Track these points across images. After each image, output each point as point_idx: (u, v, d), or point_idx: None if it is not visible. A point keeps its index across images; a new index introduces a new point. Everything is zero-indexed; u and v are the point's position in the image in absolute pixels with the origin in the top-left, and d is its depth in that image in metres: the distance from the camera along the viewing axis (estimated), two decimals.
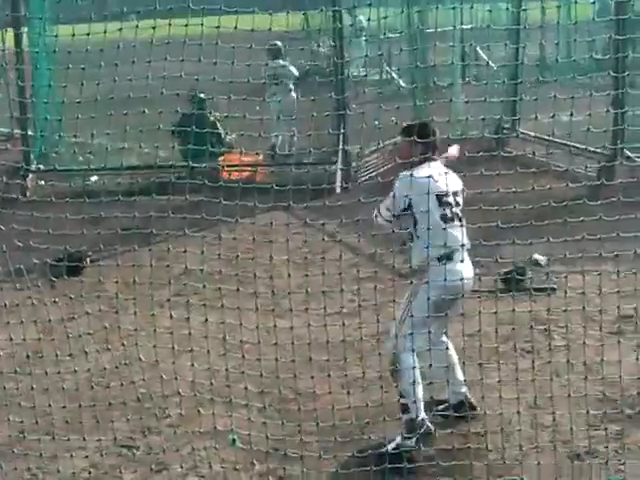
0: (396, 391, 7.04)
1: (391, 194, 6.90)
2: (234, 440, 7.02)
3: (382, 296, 7.10)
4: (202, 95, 14.77)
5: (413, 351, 6.82)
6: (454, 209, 7.02)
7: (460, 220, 7.04)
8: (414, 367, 6.84)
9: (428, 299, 6.79)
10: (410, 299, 7.00)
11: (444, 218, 6.95)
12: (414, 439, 6.94)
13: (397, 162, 7.25)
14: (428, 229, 6.78)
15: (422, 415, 7.00)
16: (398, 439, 6.96)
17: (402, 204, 6.88)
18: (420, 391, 6.97)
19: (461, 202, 7.13)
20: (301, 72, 17.90)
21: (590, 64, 14.69)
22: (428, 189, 6.75)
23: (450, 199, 7.01)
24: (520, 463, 6.62)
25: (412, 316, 6.82)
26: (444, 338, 7.29)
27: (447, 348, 7.22)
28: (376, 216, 7.11)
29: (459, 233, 6.95)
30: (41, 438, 7.02)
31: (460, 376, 7.32)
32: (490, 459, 6.73)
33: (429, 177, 6.84)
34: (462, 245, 6.94)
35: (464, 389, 7.37)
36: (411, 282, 7.05)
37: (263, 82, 16.47)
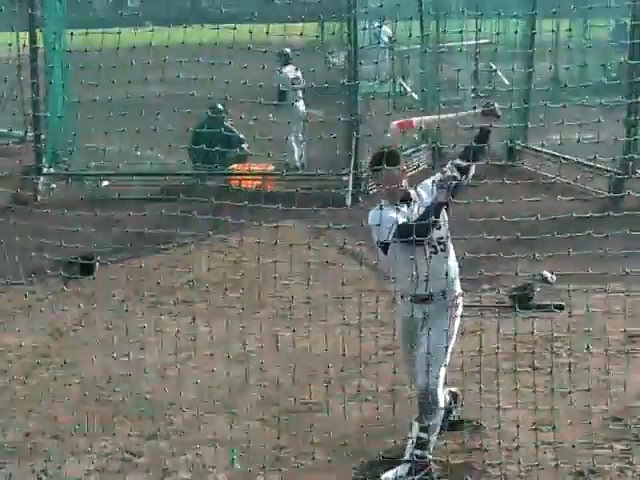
0: (416, 424, 6.69)
1: (375, 230, 6.56)
2: (233, 459, 7.01)
3: (388, 308, 7.11)
4: (219, 105, 14.86)
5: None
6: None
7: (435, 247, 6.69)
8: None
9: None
10: (445, 329, 6.65)
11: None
12: (418, 477, 6.67)
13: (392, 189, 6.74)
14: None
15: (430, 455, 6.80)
16: (403, 473, 6.69)
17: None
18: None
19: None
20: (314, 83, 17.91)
21: (603, 84, 14.69)
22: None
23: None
24: None
25: (444, 355, 6.63)
26: None
27: None
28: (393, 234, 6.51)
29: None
30: (48, 441, 7.05)
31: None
32: (492, 476, 6.73)
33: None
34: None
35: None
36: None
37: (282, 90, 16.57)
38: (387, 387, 6.93)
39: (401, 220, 6.45)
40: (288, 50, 17.31)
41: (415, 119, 6.96)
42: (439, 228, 6.64)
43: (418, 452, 6.68)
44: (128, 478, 6.86)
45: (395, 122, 6.89)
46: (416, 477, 6.65)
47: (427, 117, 7.18)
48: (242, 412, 7.14)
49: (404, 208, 6.59)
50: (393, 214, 6.46)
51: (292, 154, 16.63)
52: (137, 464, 7.07)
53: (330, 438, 6.83)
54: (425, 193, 6.73)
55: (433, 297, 6.67)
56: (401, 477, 6.67)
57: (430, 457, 6.73)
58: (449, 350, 6.69)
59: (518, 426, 6.71)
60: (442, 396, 6.77)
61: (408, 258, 6.47)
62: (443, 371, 6.69)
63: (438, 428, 6.76)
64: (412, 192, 6.72)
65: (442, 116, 7.13)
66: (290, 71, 17.25)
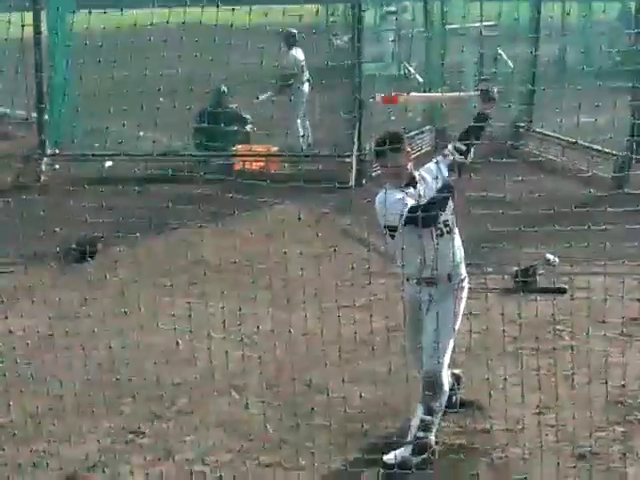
0: (436, 408, 6.73)
1: (382, 215, 6.55)
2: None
3: (393, 291, 7.11)
4: (224, 88, 14.83)
5: None
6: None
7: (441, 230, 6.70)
8: None
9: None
10: (453, 312, 6.68)
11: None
12: (420, 458, 6.69)
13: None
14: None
15: (433, 437, 6.83)
16: (404, 454, 6.71)
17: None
18: None
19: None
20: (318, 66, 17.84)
21: (609, 68, 14.67)
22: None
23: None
24: (522, 463, 6.64)
25: (449, 338, 6.68)
26: None
27: None
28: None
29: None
30: (52, 422, 7.08)
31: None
32: (495, 457, 6.76)
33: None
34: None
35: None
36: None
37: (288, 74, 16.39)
38: (389, 370, 6.94)
39: (410, 203, 6.44)
40: (295, 31, 17.05)
41: (401, 96, 6.95)
42: (444, 211, 6.64)
43: (421, 434, 6.70)
44: (132, 458, 6.89)
45: (380, 95, 6.90)
46: (418, 459, 6.68)
47: (417, 95, 7.15)
48: (246, 394, 7.15)
49: (411, 190, 6.59)
50: (400, 197, 6.47)
51: (297, 136, 16.57)
52: (141, 444, 7.11)
53: (332, 420, 6.85)
54: (429, 176, 6.72)
55: (439, 280, 6.69)
56: (403, 458, 6.69)
57: (433, 439, 6.76)
58: (454, 333, 6.71)
59: (520, 409, 6.73)
60: (447, 379, 6.79)
61: (415, 241, 6.48)
62: (448, 354, 6.71)
63: (442, 411, 6.79)
64: (416, 175, 6.72)
65: (437, 95, 7.11)
66: (297, 53, 16.85)
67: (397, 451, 6.72)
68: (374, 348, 6.96)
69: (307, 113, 16.63)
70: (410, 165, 6.67)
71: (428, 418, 6.71)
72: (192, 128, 13.74)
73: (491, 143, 7.01)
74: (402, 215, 6.42)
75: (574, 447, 6.78)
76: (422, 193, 6.62)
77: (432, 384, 6.68)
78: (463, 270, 6.90)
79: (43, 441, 6.98)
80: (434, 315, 6.62)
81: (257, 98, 15.37)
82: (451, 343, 6.72)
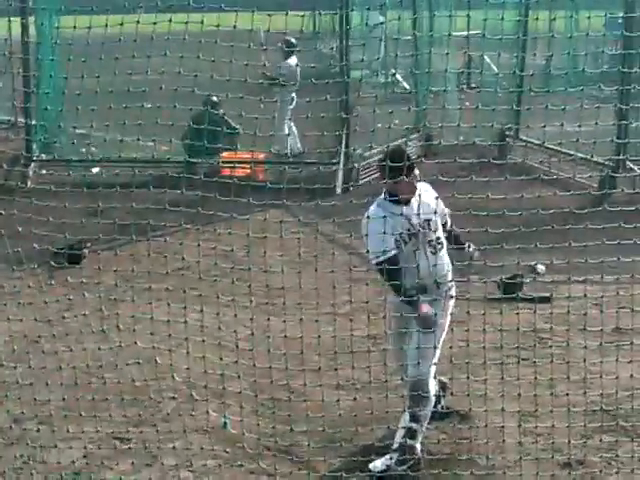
0: (420, 415, 6.80)
1: (369, 240, 6.71)
2: (225, 423, 7.07)
3: (376, 298, 7.11)
4: (214, 98, 14.74)
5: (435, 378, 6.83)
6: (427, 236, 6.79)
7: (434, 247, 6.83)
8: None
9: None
10: (440, 321, 6.74)
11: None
12: (406, 466, 6.70)
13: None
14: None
15: (419, 447, 6.85)
16: (389, 462, 6.75)
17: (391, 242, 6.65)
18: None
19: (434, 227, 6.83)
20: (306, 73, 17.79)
21: (595, 75, 14.71)
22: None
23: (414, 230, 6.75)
24: (506, 471, 6.65)
25: (435, 347, 6.74)
26: None
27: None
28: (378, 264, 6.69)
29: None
30: (37, 427, 7.05)
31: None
32: (480, 465, 6.76)
33: (383, 217, 6.60)
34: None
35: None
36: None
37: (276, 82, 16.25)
38: (376, 376, 6.94)
39: (391, 246, 6.60)
40: (293, 40, 16.91)
41: None
42: (435, 230, 6.76)
43: (408, 441, 6.71)
44: (116, 464, 6.87)
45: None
46: (405, 466, 6.68)
47: None
48: (232, 400, 7.14)
49: (404, 208, 6.69)
50: (381, 237, 6.57)
51: (284, 143, 16.55)
52: (126, 450, 7.09)
53: (320, 427, 6.85)
54: (427, 198, 6.78)
55: (427, 289, 6.70)
56: (389, 466, 6.69)
57: (419, 447, 6.76)
58: (441, 341, 6.72)
59: (504, 417, 6.74)
60: (433, 386, 6.80)
61: (409, 262, 6.61)
62: (434, 361, 6.72)
63: (427, 419, 6.79)
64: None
65: None
66: (294, 62, 16.53)
67: (383, 459, 6.73)
68: (359, 354, 6.96)
69: (294, 119, 16.57)
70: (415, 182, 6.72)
71: (414, 425, 6.71)
72: (182, 134, 13.65)
73: (479, 151, 7.02)
74: (378, 258, 6.61)
75: (558, 455, 6.79)
76: (416, 209, 6.70)
77: (418, 392, 6.68)
78: (449, 276, 6.93)
79: (28, 446, 6.95)
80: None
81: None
82: (437, 351, 6.73)
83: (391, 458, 6.73)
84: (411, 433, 6.73)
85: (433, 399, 6.82)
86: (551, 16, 12.85)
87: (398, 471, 6.68)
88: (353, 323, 7.05)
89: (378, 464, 6.73)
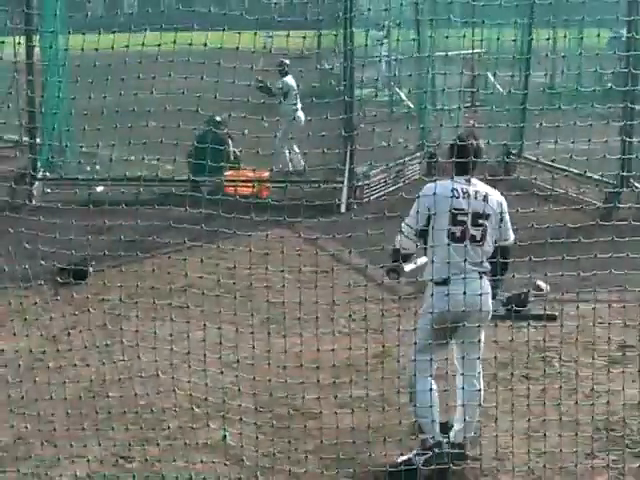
0: (411, 411, 6.95)
1: (413, 210, 6.85)
2: (225, 436, 7.06)
3: (380, 316, 7.10)
4: (217, 118, 14.81)
5: (431, 375, 6.81)
6: (470, 230, 6.77)
7: (476, 241, 6.79)
8: (431, 389, 6.76)
9: (426, 324, 6.79)
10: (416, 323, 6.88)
11: (452, 237, 6.75)
12: (425, 457, 6.77)
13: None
14: (431, 247, 6.76)
15: (438, 437, 6.85)
16: (411, 454, 6.88)
17: (423, 220, 6.79)
18: (436, 413, 6.85)
19: (485, 224, 6.81)
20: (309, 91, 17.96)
21: (599, 93, 14.74)
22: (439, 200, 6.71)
23: (465, 218, 6.76)
24: None
25: (415, 343, 6.79)
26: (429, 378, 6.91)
27: (430, 389, 6.81)
28: (400, 231, 6.99)
29: (465, 255, 6.72)
30: (40, 445, 7.05)
31: (437, 418, 6.92)
32: None
33: (452, 189, 6.76)
34: (467, 268, 6.70)
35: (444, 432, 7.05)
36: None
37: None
38: (379, 394, 6.94)
39: (405, 226, 6.90)
40: (287, 61, 17.33)
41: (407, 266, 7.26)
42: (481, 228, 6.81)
43: (421, 435, 6.88)
44: None
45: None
46: (421, 452, 6.82)
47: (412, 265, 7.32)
48: (235, 418, 7.13)
49: (464, 185, 6.82)
50: (413, 213, 6.81)
51: (285, 160, 16.79)
52: (129, 469, 7.07)
53: (322, 445, 6.83)
54: (485, 194, 6.86)
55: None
56: (409, 457, 6.86)
57: (436, 438, 6.83)
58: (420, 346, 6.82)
59: (512, 436, 6.73)
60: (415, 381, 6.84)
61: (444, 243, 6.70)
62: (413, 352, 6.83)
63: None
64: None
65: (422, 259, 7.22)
66: (290, 79, 17.39)
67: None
68: (361, 372, 6.96)
69: (297, 139, 16.71)
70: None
71: (419, 420, 6.88)
72: (187, 153, 13.83)
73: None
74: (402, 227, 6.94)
75: (563, 473, 6.77)
76: (466, 205, 6.77)
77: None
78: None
79: (32, 464, 6.94)
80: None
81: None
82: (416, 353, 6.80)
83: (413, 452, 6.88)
84: (420, 427, 6.88)
85: (420, 395, 6.81)
86: (554, 34, 12.88)
87: (415, 462, 6.78)
88: (355, 340, 7.04)
89: (400, 458, 6.87)
